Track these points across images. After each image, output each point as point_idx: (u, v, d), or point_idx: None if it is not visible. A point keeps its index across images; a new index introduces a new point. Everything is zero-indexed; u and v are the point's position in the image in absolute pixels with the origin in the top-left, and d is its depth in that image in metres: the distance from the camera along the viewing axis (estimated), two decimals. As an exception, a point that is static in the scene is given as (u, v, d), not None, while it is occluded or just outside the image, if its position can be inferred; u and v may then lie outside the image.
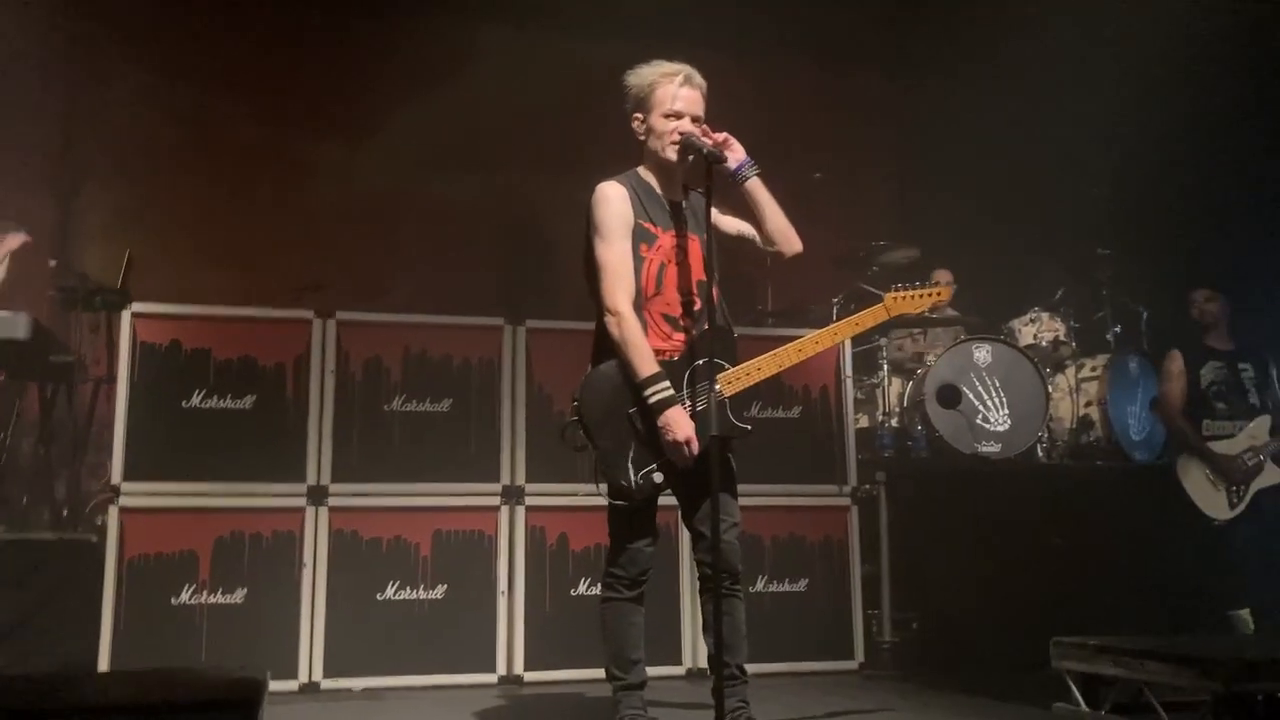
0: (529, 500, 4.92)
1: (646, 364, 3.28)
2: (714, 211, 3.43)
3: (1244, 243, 6.73)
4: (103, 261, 6.31)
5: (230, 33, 7.51)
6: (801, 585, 5.15)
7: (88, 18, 7.09)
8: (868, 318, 3.66)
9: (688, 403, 3.32)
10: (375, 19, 7.64)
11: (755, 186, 3.48)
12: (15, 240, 6.07)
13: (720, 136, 3.44)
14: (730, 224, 3.60)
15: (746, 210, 3.53)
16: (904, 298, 3.72)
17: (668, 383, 3.27)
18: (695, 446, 3.23)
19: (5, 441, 6.05)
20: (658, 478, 3.31)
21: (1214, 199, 6.85)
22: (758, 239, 3.56)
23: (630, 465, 3.30)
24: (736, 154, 3.46)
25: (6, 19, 6.73)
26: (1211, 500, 5.67)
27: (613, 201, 3.42)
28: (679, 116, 3.42)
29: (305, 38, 7.65)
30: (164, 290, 5.49)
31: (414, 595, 4.76)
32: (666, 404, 3.24)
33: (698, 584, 3.72)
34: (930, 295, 3.75)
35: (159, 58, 7.34)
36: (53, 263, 6.18)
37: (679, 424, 3.23)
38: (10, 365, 5.88)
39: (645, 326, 3.37)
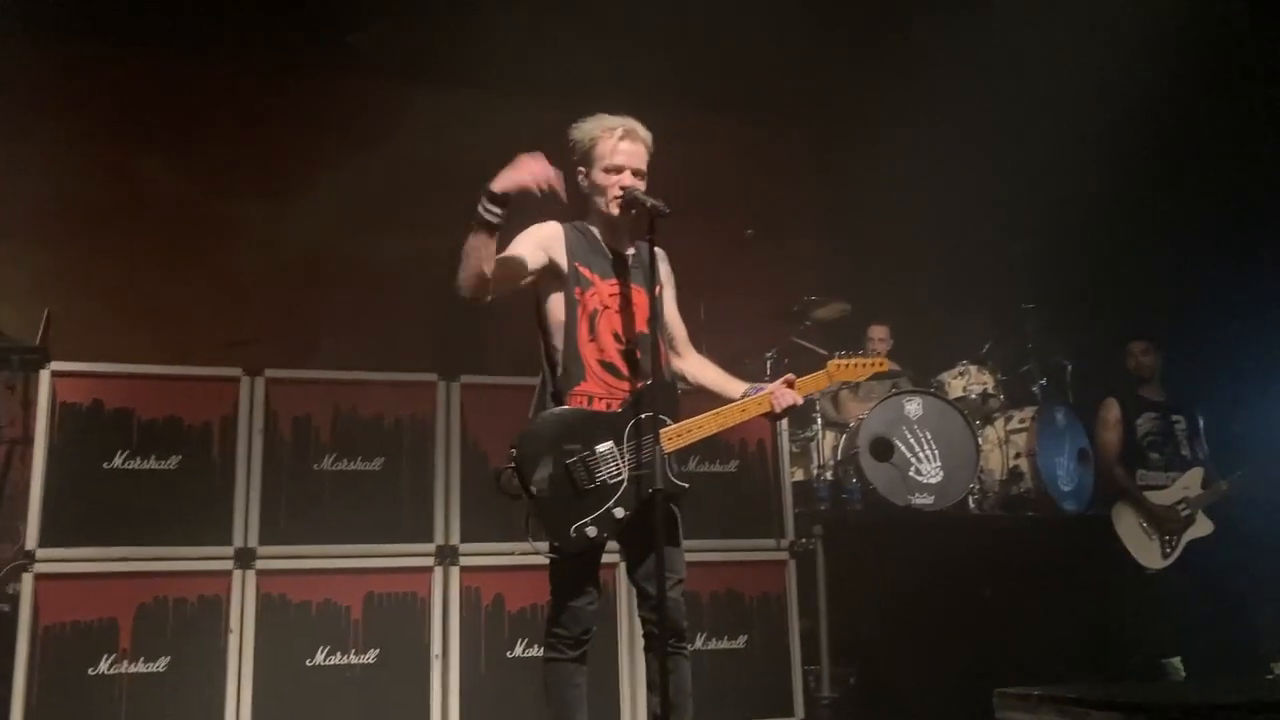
0: (463, 560, 4.82)
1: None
2: (669, 288, 3.55)
3: (1169, 297, 6.92)
4: (21, 320, 6.13)
5: (155, 91, 7.43)
6: (740, 642, 5.11)
7: (6, 73, 6.95)
8: (810, 383, 3.67)
9: (628, 457, 3.30)
10: (303, 78, 7.61)
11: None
12: None
13: None
14: (669, 312, 3.62)
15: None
16: (847, 366, 3.81)
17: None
18: (536, 167, 3.15)
19: (-87, 506, 5.81)
20: (590, 531, 3.26)
21: (1138, 254, 7.04)
22: (675, 354, 3.62)
23: (564, 517, 3.25)
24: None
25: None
26: (1145, 549, 5.77)
27: (538, 228, 3.46)
28: (619, 170, 3.44)
29: (232, 97, 7.58)
30: (87, 349, 5.35)
31: (345, 660, 4.63)
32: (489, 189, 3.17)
33: (641, 641, 3.66)
34: (871, 365, 3.86)
35: (80, 115, 7.22)
36: (-32, 321, 5.99)
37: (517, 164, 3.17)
38: (-81, 426, 5.68)
39: (583, 370, 3.37)
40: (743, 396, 3.51)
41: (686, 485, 3.40)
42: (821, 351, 6.37)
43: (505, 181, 3.18)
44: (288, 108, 7.56)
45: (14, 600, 4.53)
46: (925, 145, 7.41)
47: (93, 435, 4.58)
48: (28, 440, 4.99)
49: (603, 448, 3.30)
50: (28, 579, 4.38)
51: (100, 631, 4.41)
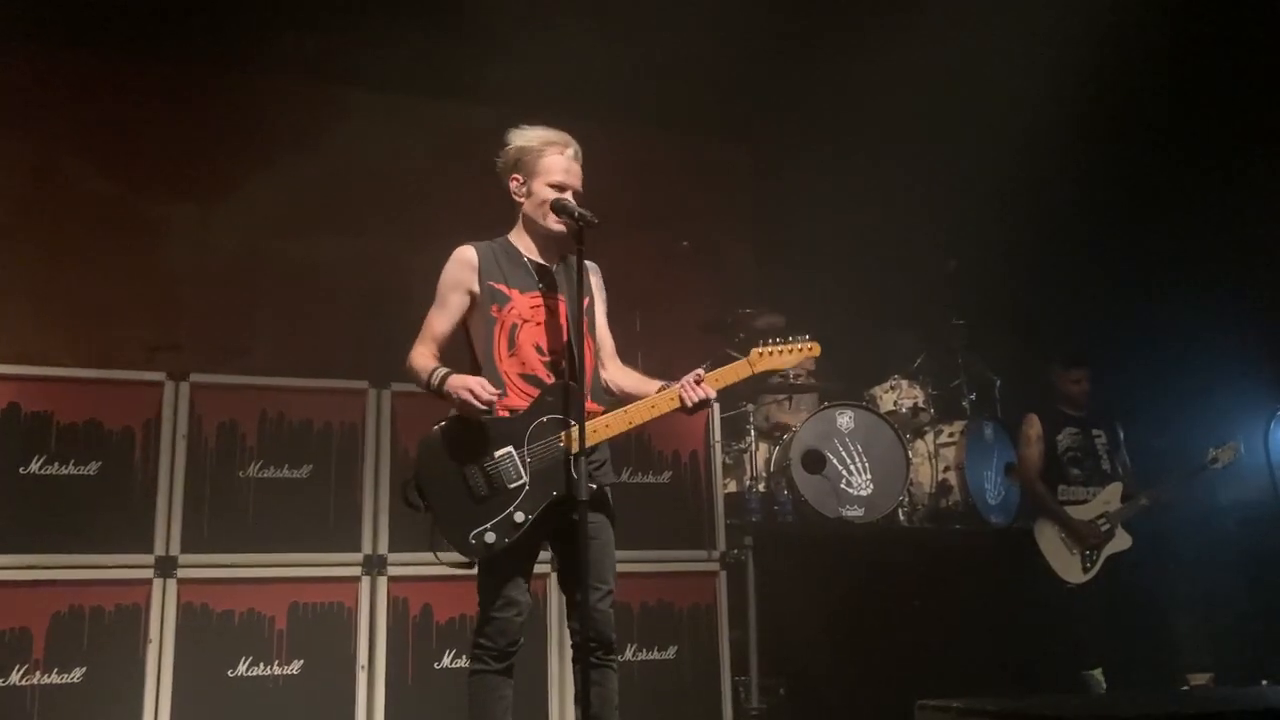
0: (391, 570, 4.77)
1: (425, 366, 3.35)
2: (601, 302, 3.58)
3: (1092, 312, 7.07)
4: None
5: (80, 88, 7.25)
6: (670, 653, 5.11)
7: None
8: (729, 374, 3.56)
9: (529, 461, 3.28)
10: (231, 77, 7.47)
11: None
12: None
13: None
14: (600, 325, 3.63)
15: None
16: (770, 353, 3.62)
17: (444, 367, 3.31)
18: (480, 389, 3.21)
19: None
20: (489, 538, 3.23)
21: (1063, 271, 7.19)
22: (608, 380, 3.61)
23: (463, 526, 3.23)
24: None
25: None
26: (1066, 563, 5.86)
27: (451, 264, 3.50)
28: (563, 189, 3.43)
29: (160, 95, 7.42)
30: (4, 351, 5.21)
31: (268, 671, 4.54)
32: (447, 377, 3.27)
33: (571, 651, 3.64)
34: (800, 350, 3.65)
35: (2, 112, 7.03)
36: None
37: (456, 385, 3.24)
38: None
39: (503, 385, 3.36)
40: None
41: (594, 486, 3.28)
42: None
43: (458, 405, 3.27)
44: (218, 107, 7.41)
45: (-79, 610, 4.38)
46: (859, 160, 7.51)
47: (9, 439, 4.46)
48: (-60, 444, 4.84)
49: (500, 453, 3.29)
50: (-64, 588, 4.25)
51: (12, 641, 4.28)
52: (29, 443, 4.47)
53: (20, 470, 4.44)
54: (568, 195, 3.43)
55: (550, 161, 3.46)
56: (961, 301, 7.13)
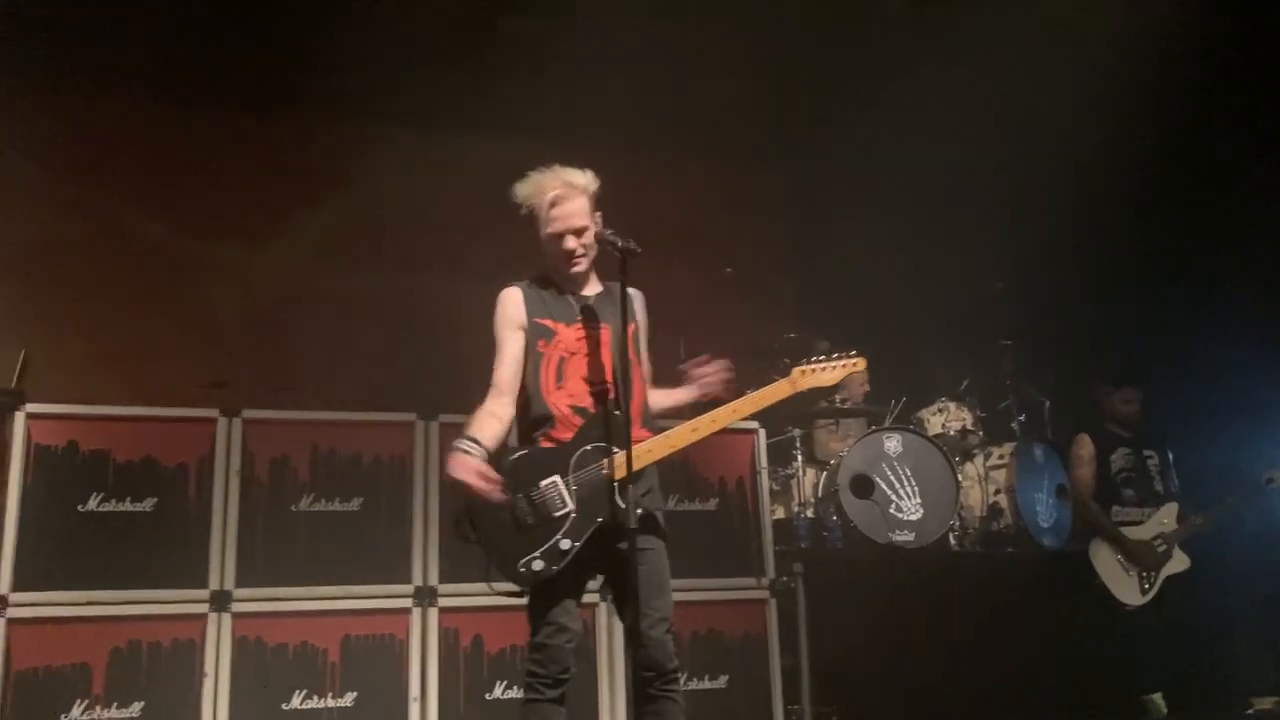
0: (442, 601, 4.79)
1: (465, 429, 3.34)
2: (643, 326, 3.59)
3: (1142, 332, 6.98)
4: (-4, 361, 6.10)
5: (132, 134, 7.43)
6: (721, 682, 5.08)
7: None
8: (770, 393, 3.56)
9: (574, 488, 3.29)
10: (278, 120, 7.63)
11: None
12: None
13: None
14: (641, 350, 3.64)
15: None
16: (813, 371, 3.60)
17: (468, 441, 3.28)
18: (472, 479, 3.20)
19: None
20: (537, 565, 3.24)
21: (1111, 290, 7.12)
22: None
23: (513, 555, 3.24)
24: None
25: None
26: (1123, 585, 5.77)
27: (501, 306, 3.52)
28: (560, 236, 3.45)
29: (208, 139, 7.59)
30: (63, 391, 5.31)
31: (322, 704, 4.57)
32: (453, 450, 3.27)
33: (621, 680, 3.64)
34: (844, 366, 3.62)
35: (57, 158, 7.22)
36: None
37: (453, 465, 3.24)
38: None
39: (554, 419, 3.37)
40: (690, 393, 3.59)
41: (640, 511, 3.28)
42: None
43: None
44: (263, 149, 7.57)
45: (-14, 645, 4.47)
46: (900, 182, 7.48)
47: (68, 477, 4.55)
48: (2, 483, 4.95)
49: (545, 482, 3.30)
50: (0, 624, 4.32)
51: (73, 676, 4.35)
52: (87, 480, 4.56)
53: (79, 508, 4.53)
54: (569, 240, 3.43)
55: (541, 215, 3.47)
56: (1009, 322, 7.07)
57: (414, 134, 7.69)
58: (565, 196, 3.45)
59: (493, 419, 3.39)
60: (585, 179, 3.49)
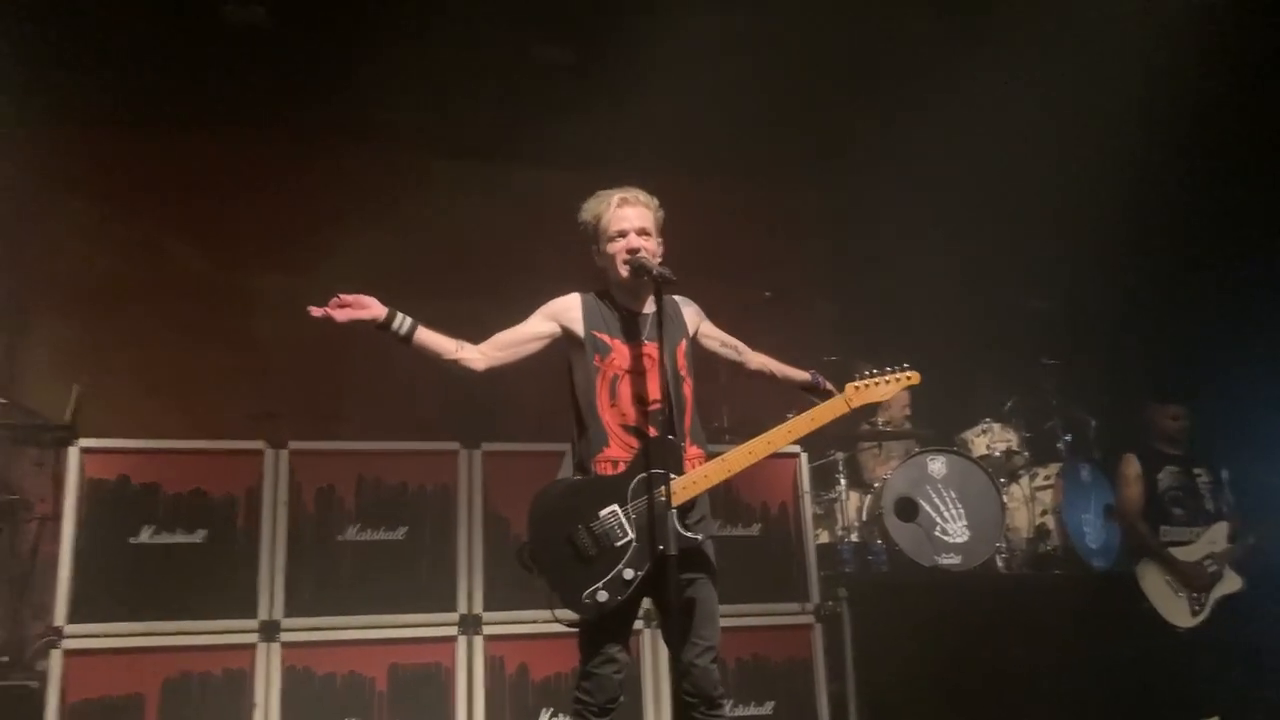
0: (487, 629, 4.81)
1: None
2: (705, 324, 3.65)
3: (1189, 349, 6.89)
4: (49, 395, 6.22)
5: (176, 170, 7.58)
6: (767, 708, 5.05)
7: (33, 154, 7.13)
8: (825, 412, 3.58)
9: (633, 517, 3.30)
10: (319, 152, 7.74)
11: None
12: None
13: None
14: (717, 340, 3.72)
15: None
16: (866, 387, 3.61)
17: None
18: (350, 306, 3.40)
19: (-57, 585, 5.86)
20: (602, 596, 3.25)
21: (1157, 305, 7.03)
22: (743, 366, 3.75)
23: (576, 586, 3.25)
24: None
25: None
26: (1173, 607, 5.68)
27: (553, 301, 3.59)
28: (623, 235, 3.51)
29: (250, 173, 7.72)
30: (112, 425, 5.41)
31: (370, 733, 4.61)
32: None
33: (668, 708, 3.64)
34: (897, 380, 3.64)
35: (104, 195, 7.38)
36: (0, 401, 6.08)
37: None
38: (-49, 505, 5.74)
39: (606, 436, 3.40)
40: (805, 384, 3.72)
41: (698, 538, 3.34)
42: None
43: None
44: (305, 182, 7.69)
45: (42, 677, 4.55)
46: (940, 202, 7.45)
47: (120, 510, 4.64)
48: (57, 517, 5.05)
49: (605, 512, 3.31)
50: (56, 655, 4.41)
51: (127, 708, 4.42)
52: (139, 513, 4.65)
53: (131, 540, 4.61)
54: (631, 238, 3.49)
55: (606, 218, 3.55)
56: (1052, 341, 7.00)
57: (460, 164, 7.78)
58: (632, 201, 3.56)
59: (454, 341, 3.48)
60: (650, 199, 3.61)
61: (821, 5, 6.10)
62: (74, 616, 4.46)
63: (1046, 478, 6.58)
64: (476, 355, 3.49)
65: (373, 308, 3.43)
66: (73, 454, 4.67)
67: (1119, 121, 6.45)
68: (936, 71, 6.63)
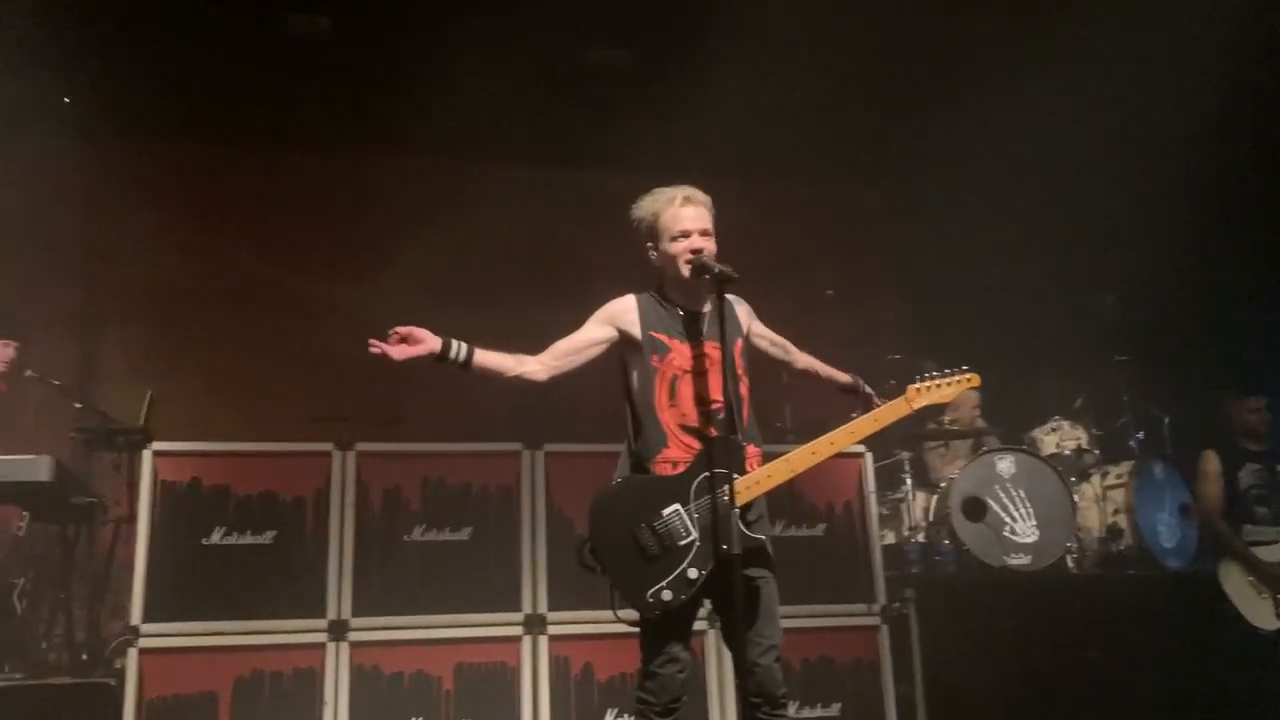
0: (551, 629, 4.83)
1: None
2: (755, 323, 3.63)
3: (1268, 336, 6.69)
4: (124, 401, 6.37)
5: (243, 180, 7.75)
6: (834, 710, 5.01)
7: (107, 162, 7.32)
8: (887, 413, 3.55)
9: (696, 516, 3.28)
10: (381, 161, 7.86)
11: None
12: (6, 348, 6.15)
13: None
14: (766, 339, 3.71)
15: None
16: (928, 388, 3.59)
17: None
18: (406, 340, 3.38)
19: (26, 585, 6.02)
20: (666, 595, 3.24)
21: (1232, 295, 6.85)
22: (791, 365, 3.76)
23: (639, 585, 3.24)
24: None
25: (27, 165, 6.97)
26: (1256, 609, 5.53)
27: (609, 304, 3.58)
28: (686, 235, 3.49)
29: (314, 181, 7.87)
30: (183, 428, 5.52)
31: (437, 732, 4.64)
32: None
33: (733, 708, 3.62)
34: (958, 382, 3.61)
35: (176, 201, 7.55)
36: (77, 405, 6.23)
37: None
38: (33, 507, 5.90)
39: (665, 437, 3.39)
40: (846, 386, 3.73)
41: (762, 538, 3.34)
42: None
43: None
44: (365, 190, 7.82)
45: (120, 674, 4.66)
46: (1005, 196, 7.34)
47: (192, 512, 4.73)
48: (132, 519, 5.17)
49: (668, 511, 3.30)
50: (133, 653, 4.51)
51: (200, 705, 4.50)
52: (210, 515, 4.73)
53: (203, 541, 4.70)
54: (693, 239, 3.47)
55: (667, 217, 3.53)
56: (1123, 336, 6.86)
57: (518, 171, 7.84)
58: (693, 201, 3.54)
59: (513, 356, 3.50)
60: (707, 198, 3.59)
61: (882, 3, 6.05)
62: (149, 616, 4.56)
63: (1118, 476, 6.45)
64: (537, 367, 3.49)
65: (427, 340, 3.41)
66: (146, 457, 4.77)
67: (1192, 109, 6.31)
68: (1001, 67, 6.54)
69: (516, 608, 4.84)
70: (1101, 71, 6.29)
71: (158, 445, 4.83)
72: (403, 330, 3.41)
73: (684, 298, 3.56)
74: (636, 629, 3.35)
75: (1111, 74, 6.31)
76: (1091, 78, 6.31)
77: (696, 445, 3.39)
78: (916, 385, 3.61)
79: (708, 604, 3.53)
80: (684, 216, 3.51)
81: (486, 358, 3.46)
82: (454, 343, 3.43)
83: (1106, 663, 5.42)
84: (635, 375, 3.52)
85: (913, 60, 6.73)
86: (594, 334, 3.53)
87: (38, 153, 7.08)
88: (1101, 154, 6.85)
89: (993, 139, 7.01)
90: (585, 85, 6.93)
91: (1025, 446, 6.34)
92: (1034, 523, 5.91)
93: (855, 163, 8.14)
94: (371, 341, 3.40)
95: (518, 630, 4.81)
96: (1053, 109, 6.63)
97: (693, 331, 3.51)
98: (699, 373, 3.46)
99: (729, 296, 3.51)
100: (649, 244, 3.58)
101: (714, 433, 3.38)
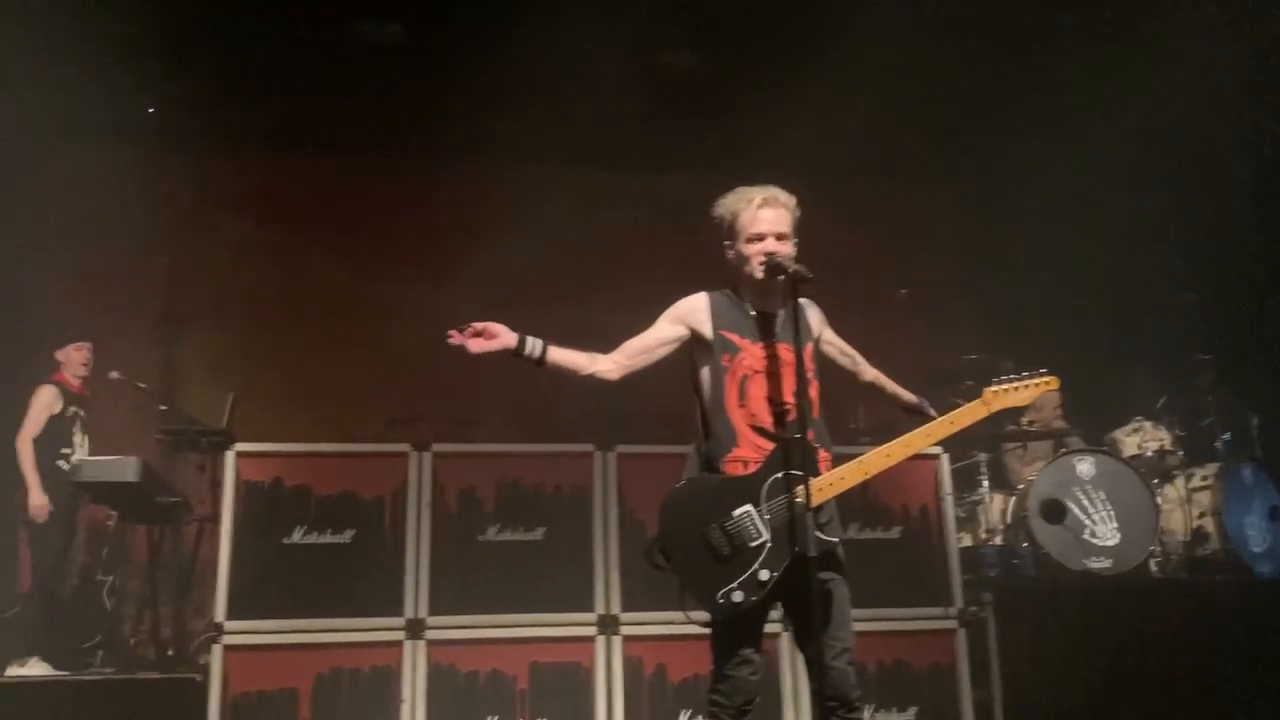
0: (625, 629, 4.84)
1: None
2: (827, 330, 3.61)
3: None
4: (207, 403, 6.53)
5: (319, 184, 7.90)
6: (910, 714, 4.96)
7: (190, 176, 7.52)
8: (964, 415, 3.50)
9: (768, 517, 3.27)
10: (452, 166, 7.97)
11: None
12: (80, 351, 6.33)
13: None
14: (836, 348, 3.69)
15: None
16: (1006, 391, 3.53)
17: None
18: (482, 335, 3.39)
19: (115, 583, 6.21)
20: (737, 597, 3.21)
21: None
22: (858, 377, 3.75)
23: (710, 585, 3.23)
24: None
25: (113, 174, 7.19)
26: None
27: (680, 302, 3.57)
28: (761, 238, 3.47)
29: (388, 187, 8.00)
30: (264, 429, 5.65)
31: (513, 731, 4.68)
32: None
33: (807, 712, 3.59)
34: (1036, 385, 3.56)
35: (255, 207, 7.72)
36: (162, 407, 6.41)
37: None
38: (121, 507, 6.08)
39: (735, 436, 3.37)
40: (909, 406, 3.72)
41: (836, 540, 3.31)
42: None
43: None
44: (438, 196, 7.95)
45: (205, 670, 4.77)
46: (1083, 190, 7.20)
47: (274, 512, 4.82)
48: (215, 518, 5.30)
49: (739, 511, 3.27)
50: (217, 650, 4.62)
51: (282, 701, 4.59)
52: (291, 514, 4.82)
53: (284, 540, 4.79)
54: (768, 241, 3.45)
55: (745, 217, 3.50)
56: (1206, 334, 6.68)
57: (585, 173, 7.88)
58: (772, 203, 3.51)
59: (585, 355, 3.50)
60: (789, 199, 3.56)
61: (957, 3, 5.98)
62: (233, 613, 4.66)
63: (1204, 478, 6.29)
64: (610, 366, 3.50)
65: (503, 335, 3.45)
66: (229, 458, 4.88)
67: (1268, 100, 6.14)
68: (1076, 62, 6.42)
69: (590, 608, 4.86)
70: (1181, 70, 6.13)
71: (240, 446, 4.93)
72: (479, 325, 3.44)
73: (757, 298, 3.54)
74: (707, 630, 3.35)
75: (1191, 72, 6.15)
76: (1172, 77, 6.16)
77: (767, 445, 3.37)
78: (994, 388, 3.55)
79: (780, 605, 3.51)
80: (761, 219, 3.48)
81: (560, 355, 3.47)
82: (529, 339, 3.45)
83: (1193, 671, 5.27)
84: (705, 374, 3.50)
85: (991, 60, 6.64)
86: (665, 332, 3.53)
87: (122, 162, 7.31)
88: (1182, 151, 6.68)
89: (1069, 137, 6.89)
90: (655, 87, 6.94)
91: (1106, 448, 6.21)
92: (1115, 525, 5.79)
93: (931, 162, 8.05)
94: (450, 333, 3.44)
95: (591, 630, 4.82)
96: (1130, 101, 6.48)
97: (764, 332, 3.49)
98: (770, 374, 3.44)
99: (803, 300, 3.48)
100: (726, 242, 3.56)
101: (785, 434, 3.36)
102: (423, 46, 6.74)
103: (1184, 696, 5.19)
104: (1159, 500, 6.00)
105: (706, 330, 3.49)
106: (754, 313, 3.52)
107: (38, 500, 5.96)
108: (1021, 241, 7.62)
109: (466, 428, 6.90)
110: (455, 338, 3.44)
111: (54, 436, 6.16)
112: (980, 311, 8.33)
